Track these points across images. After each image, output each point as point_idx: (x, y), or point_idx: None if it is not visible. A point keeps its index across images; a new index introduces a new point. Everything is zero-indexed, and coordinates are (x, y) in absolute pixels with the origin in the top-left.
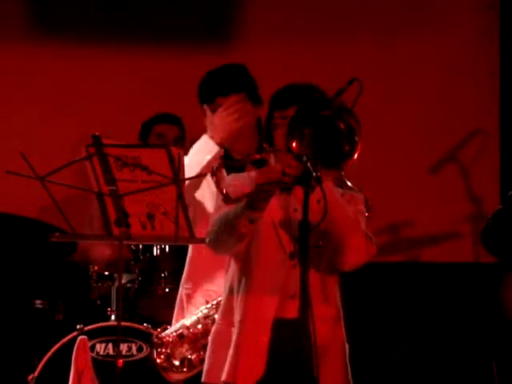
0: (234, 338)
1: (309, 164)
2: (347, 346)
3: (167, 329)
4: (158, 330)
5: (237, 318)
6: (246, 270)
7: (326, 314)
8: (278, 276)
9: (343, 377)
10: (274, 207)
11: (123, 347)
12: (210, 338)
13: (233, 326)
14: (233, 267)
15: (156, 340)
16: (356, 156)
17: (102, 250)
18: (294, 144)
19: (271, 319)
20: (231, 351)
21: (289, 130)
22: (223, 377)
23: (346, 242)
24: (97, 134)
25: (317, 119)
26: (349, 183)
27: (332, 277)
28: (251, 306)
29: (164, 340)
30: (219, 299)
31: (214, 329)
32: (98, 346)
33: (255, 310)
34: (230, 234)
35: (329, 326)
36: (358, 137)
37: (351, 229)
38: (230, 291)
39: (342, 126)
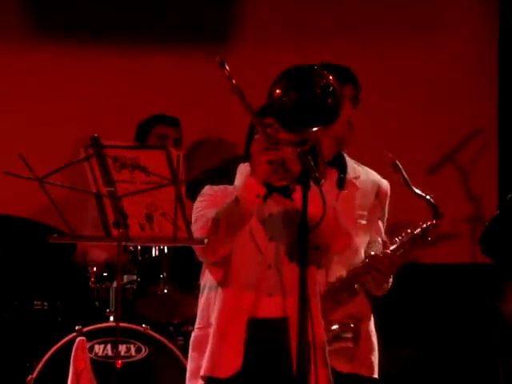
0: (211, 334)
1: (307, 165)
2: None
3: None
4: None
5: (213, 317)
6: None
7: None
8: (253, 276)
9: (328, 372)
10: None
11: (122, 348)
12: (190, 344)
13: (210, 327)
14: (208, 274)
15: None
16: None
17: (98, 253)
18: (277, 90)
19: (246, 316)
20: (209, 346)
21: (278, 79)
22: (202, 372)
23: (333, 241)
24: (95, 135)
25: (304, 85)
26: None
27: (310, 272)
28: (227, 304)
29: None
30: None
31: (192, 335)
32: (96, 347)
33: (231, 308)
34: (230, 227)
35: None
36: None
37: (337, 232)
38: (208, 296)
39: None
